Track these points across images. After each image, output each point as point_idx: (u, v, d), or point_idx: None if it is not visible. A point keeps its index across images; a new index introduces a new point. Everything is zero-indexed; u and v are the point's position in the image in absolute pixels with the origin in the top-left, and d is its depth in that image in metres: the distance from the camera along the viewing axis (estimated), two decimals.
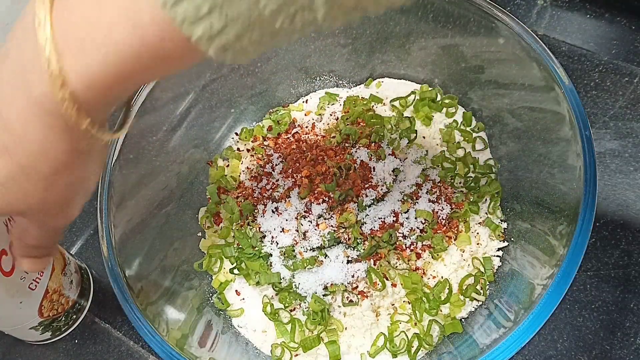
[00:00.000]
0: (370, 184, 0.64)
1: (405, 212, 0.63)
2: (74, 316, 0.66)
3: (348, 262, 0.62)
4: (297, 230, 0.63)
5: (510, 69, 0.63)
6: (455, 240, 0.64)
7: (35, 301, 0.58)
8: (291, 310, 0.63)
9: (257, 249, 0.64)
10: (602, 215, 0.67)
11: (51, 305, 0.61)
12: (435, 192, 0.65)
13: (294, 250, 0.62)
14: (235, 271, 0.65)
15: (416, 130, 0.70)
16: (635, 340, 0.61)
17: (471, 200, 0.66)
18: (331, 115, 0.73)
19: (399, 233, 0.62)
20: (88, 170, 0.38)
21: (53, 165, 0.35)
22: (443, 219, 0.64)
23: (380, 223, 0.62)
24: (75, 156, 0.35)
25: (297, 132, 0.73)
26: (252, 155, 0.73)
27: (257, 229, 0.65)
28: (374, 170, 0.65)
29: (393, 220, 0.63)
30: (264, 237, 0.65)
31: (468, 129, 0.70)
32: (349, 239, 0.62)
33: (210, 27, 0.27)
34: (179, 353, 0.50)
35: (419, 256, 0.62)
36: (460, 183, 0.67)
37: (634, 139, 0.70)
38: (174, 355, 0.50)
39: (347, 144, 0.68)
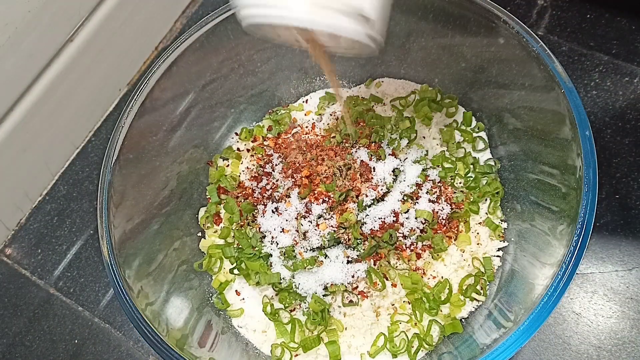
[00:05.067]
0: (370, 184, 0.64)
1: (405, 212, 0.63)
2: None
3: (348, 262, 0.62)
4: (297, 231, 0.63)
5: (510, 69, 0.63)
6: (455, 240, 0.64)
7: None
8: (291, 311, 0.63)
9: (257, 249, 0.64)
10: (603, 215, 0.67)
11: None
12: (435, 192, 0.65)
13: (294, 251, 0.62)
14: (235, 271, 0.65)
15: (416, 130, 0.70)
16: (637, 345, 0.61)
17: (471, 200, 0.66)
18: (331, 115, 0.73)
19: (399, 233, 0.62)
20: None
21: None
22: (443, 219, 0.64)
23: (380, 223, 0.62)
24: None
25: (297, 132, 0.73)
26: (252, 155, 0.73)
27: (257, 229, 0.65)
28: (374, 170, 0.65)
29: (393, 220, 0.63)
30: (264, 237, 0.64)
31: (468, 129, 0.70)
32: (349, 239, 0.62)
33: None
34: (178, 353, 0.50)
35: (419, 256, 0.62)
36: (460, 183, 0.67)
37: (635, 139, 0.70)
38: (173, 355, 0.50)
39: (347, 144, 0.68)
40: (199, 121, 0.71)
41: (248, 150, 0.73)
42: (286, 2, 0.43)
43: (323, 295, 0.61)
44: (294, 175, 0.67)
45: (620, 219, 0.66)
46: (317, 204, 0.63)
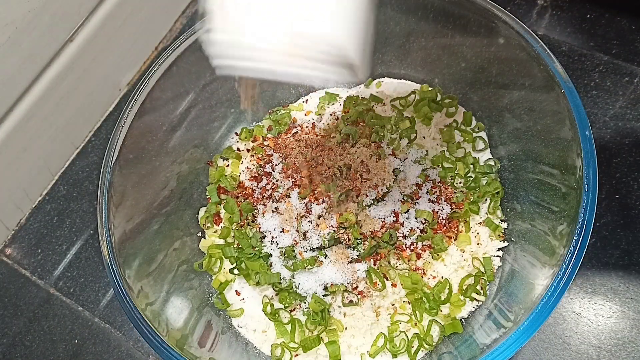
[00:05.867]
0: (370, 184, 0.64)
1: (405, 212, 0.63)
2: None
3: (348, 262, 0.62)
4: (297, 231, 0.63)
5: (510, 69, 0.63)
6: (455, 240, 0.64)
7: None
8: (291, 311, 0.63)
9: (257, 249, 0.64)
10: (602, 215, 0.67)
11: None
12: (435, 192, 0.65)
13: (294, 251, 0.62)
14: (235, 271, 0.65)
15: (416, 130, 0.70)
16: (637, 345, 0.61)
17: (471, 200, 0.66)
18: (331, 115, 0.73)
19: (399, 233, 0.62)
20: None
21: None
22: (443, 219, 0.64)
23: (381, 223, 0.62)
24: None
25: (297, 132, 0.73)
26: (252, 155, 0.73)
27: (257, 229, 0.65)
28: (374, 170, 0.65)
29: (393, 220, 0.63)
30: (264, 237, 0.64)
31: (468, 129, 0.70)
32: (348, 239, 0.62)
33: None
34: (178, 353, 0.50)
35: (419, 256, 0.62)
36: (460, 183, 0.67)
37: (635, 139, 0.70)
38: (173, 355, 0.50)
39: (347, 144, 0.68)
40: (199, 121, 0.71)
41: (248, 150, 0.73)
42: (260, 53, 0.40)
43: (323, 295, 0.61)
44: (294, 175, 0.67)
45: (620, 219, 0.66)
46: (317, 204, 0.63)
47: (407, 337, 0.59)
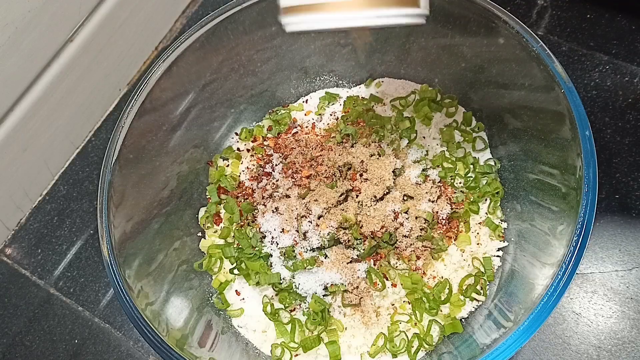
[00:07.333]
0: (370, 184, 0.64)
1: (405, 212, 0.63)
2: None
3: (348, 262, 0.62)
4: (297, 231, 0.63)
5: (510, 69, 0.63)
6: (455, 240, 0.64)
7: None
8: (291, 311, 0.63)
9: (257, 249, 0.64)
10: (602, 215, 0.67)
11: None
12: (435, 192, 0.65)
13: (294, 251, 0.62)
14: (235, 271, 0.65)
15: (416, 130, 0.70)
16: (637, 345, 0.61)
17: (471, 200, 0.66)
18: (331, 115, 0.73)
19: (399, 233, 0.62)
20: None
21: None
22: (443, 219, 0.64)
23: (381, 223, 0.62)
24: None
25: (297, 132, 0.73)
26: (252, 155, 0.73)
27: (257, 229, 0.65)
28: (374, 171, 0.65)
29: (393, 220, 0.63)
30: (264, 237, 0.64)
31: (468, 129, 0.70)
32: (348, 239, 0.62)
33: None
34: (178, 353, 0.50)
35: (419, 256, 0.62)
36: (460, 183, 0.67)
37: (635, 139, 0.70)
38: (173, 355, 0.50)
39: (347, 144, 0.68)
40: (199, 121, 0.71)
41: (248, 150, 0.73)
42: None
43: (323, 295, 0.61)
44: (294, 175, 0.67)
45: (620, 219, 0.66)
46: (317, 204, 0.63)
47: (407, 337, 0.59)
